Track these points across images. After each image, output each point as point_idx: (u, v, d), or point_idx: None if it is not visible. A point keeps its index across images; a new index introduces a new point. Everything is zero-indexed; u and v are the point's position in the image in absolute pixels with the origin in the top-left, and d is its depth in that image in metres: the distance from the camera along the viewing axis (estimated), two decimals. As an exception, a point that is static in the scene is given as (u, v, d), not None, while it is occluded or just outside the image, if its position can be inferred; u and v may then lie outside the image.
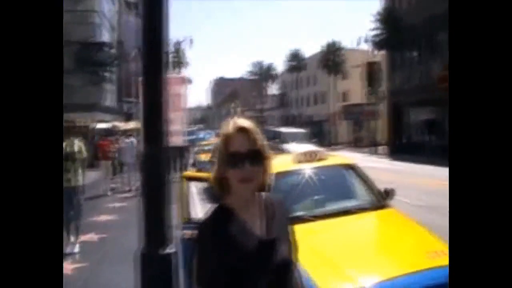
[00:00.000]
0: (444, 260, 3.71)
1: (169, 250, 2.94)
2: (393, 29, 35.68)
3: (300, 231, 4.03)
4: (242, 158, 1.64)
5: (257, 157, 1.67)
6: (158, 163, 2.92)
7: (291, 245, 1.82)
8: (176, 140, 4.53)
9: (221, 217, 1.71)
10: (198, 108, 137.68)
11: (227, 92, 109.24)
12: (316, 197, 4.80)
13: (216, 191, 1.76)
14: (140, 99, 3.08)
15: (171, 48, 41.83)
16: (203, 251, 1.66)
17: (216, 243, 1.63)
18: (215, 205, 1.77)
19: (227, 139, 1.70)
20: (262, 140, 1.71)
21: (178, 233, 4.34)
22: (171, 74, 4.30)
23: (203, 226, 1.72)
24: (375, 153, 34.85)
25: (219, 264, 1.61)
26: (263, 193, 1.80)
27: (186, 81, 4.85)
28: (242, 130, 1.68)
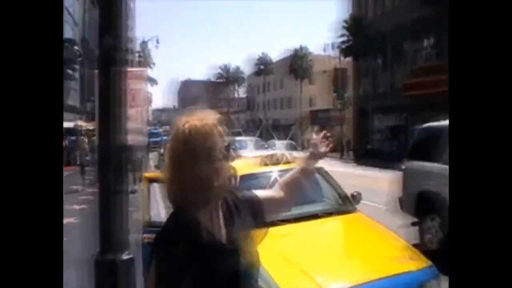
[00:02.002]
0: (412, 265, 3.69)
1: (125, 256, 2.75)
2: (360, 36, 36.30)
3: (267, 235, 3.95)
4: (199, 159, 1.51)
5: (215, 157, 1.54)
6: (114, 162, 2.72)
7: (253, 250, 1.68)
8: (135, 138, 4.29)
9: (179, 223, 1.55)
10: (164, 110, 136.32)
11: (194, 94, 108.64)
12: (287, 200, 4.68)
13: (174, 196, 1.59)
14: (96, 95, 2.89)
15: (137, 47, 41.16)
16: (161, 260, 1.50)
17: (175, 251, 1.48)
18: (173, 211, 1.61)
19: (182, 138, 1.55)
20: (220, 139, 1.55)
21: (139, 237, 4.16)
22: (131, 68, 4.07)
23: (160, 234, 1.56)
24: (341, 157, 35.23)
25: (177, 275, 1.46)
26: (224, 196, 1.65)
27: (145, 76, 4.61)
28: (199, 130, 1.54)
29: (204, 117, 1.58)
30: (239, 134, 28.17)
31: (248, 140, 19.09)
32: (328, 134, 2.05)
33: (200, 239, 1.52)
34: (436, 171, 7.08)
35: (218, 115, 1.62)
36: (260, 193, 1.89)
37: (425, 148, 7.99)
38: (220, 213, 1.62)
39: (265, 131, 34.95)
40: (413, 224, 7.73)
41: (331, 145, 2.01)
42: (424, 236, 7.37)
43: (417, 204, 7.70)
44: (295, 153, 20.69)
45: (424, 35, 29.44)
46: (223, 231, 1.59)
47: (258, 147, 17.57)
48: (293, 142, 25.54)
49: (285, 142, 23.23)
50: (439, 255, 6.47)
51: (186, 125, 1.54)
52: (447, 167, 6.65)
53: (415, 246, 6.89)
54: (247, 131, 55.10)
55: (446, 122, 7.43)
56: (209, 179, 1.51)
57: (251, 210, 1.73)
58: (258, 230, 1.77)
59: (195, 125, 1.54)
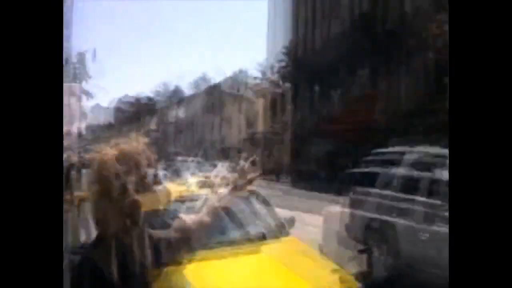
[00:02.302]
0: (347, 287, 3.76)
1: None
2: (298, 62, 37.30)
3: (201, 258, 3.89)
4: (118, 184, 1.46)
5: (136, 182, 1.50)
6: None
7: (171, 280, 1.66)
8: (67, 155, 4.12)
9: (100, 248, 1.49)
10: (100, 126, 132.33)
11: (131, 111, 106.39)
12: (218, 224, 4.63)
13: (94, 219, 1.53)
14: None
15: (73, 59, 39.81)
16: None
17: (92, 282, 1.41)
18: (95, 236, 1.55)
19: (99, 163, 1.50)
20: (145, 164, 1.52)
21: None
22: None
23: (80, 262, 1.50)
24: (278, 181, 35.60)
25: None
26: (144, 225, 1.60)
27: (77, 91, 4.45)
28: (117, 153, 1.49)
29: (128, 145, 1.52)
30: (179, 154, 27.66)
31: (190, 161, 18.70)
32: (256, 159, 2.06)
33: (121, 265, 1.47)
34: (384, 198, 7.09)
35: (145, 140, 1.56)
36: (190, 218, 1.86)
37: (373, 175, 7.97)
38: (140, 243, 1.57)
39: (209, 153, 34.72)
40: (360, 251, 7.66)
41: (258, 172, 2.02)
42: (371, 264, 7.31)
43: (365, 231, 7.63)
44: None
45: (359, 65, 30.74)
46: (146, 253, 1.54)
47: (202, 169, 17.24)
48: (235, 165, 25.49)
49: (227, 164, 22.90)
50: (387, 283, 6.67)
51: (107, 154, 1.49)
52: (395, 194, 6.75)
53: (362, 273, 7.06)
54: (188, 152, 54.62)
55: (394, 149, 7.72)
56: (128, 208, 1.46)
57: (176, 238, 1.70)
58: (185, 256, 1.74)
59: (116, 154, 1.48)
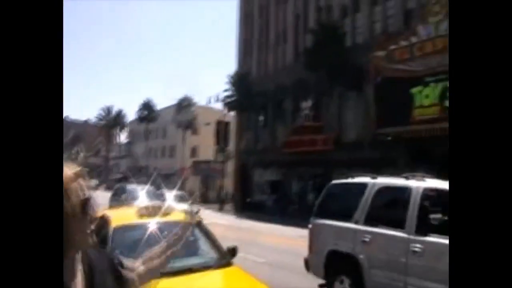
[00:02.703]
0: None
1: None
2: (243, 92, 37.72)
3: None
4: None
5: (70, 213, 1.41)
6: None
7: None
8: None
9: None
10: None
11: (71, 134, 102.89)
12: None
13: None
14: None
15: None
16: None
17: None
18: None
19: None
20: (71, 191, 1.44)
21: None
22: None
23: None
24: (221, 210, 35.36)
25: None
26: (85, 252, 1.54)
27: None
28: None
29: (66, 173, 1.47)
30: (126, 180, 26.60)
31: (139, 189, 17.58)
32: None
33: None
34: (346, 230, 6.89)
35: (78, 169, 1.51)
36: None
37: (334, 206, 7.72)
38: (79, 269, 1.51)
39: (155, 180, 33.87)
40: (321, 286, 7.45)
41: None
42: None
43: (326, 264, 7.30)
44: (184, 205, 19.73)
45: (302, 97, 31.49)
46: (83, 285, 1.48)
47: (151, 196, 16.47)
48: (183, 193, 24.86)
49: (174, 192, 22.55)
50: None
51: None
52: (358, 227, 6.65)
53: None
54: (132, 178, 53.07)
55: (356, 180, 7.50)
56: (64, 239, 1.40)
57: (105, 264, 1.64)
58: None
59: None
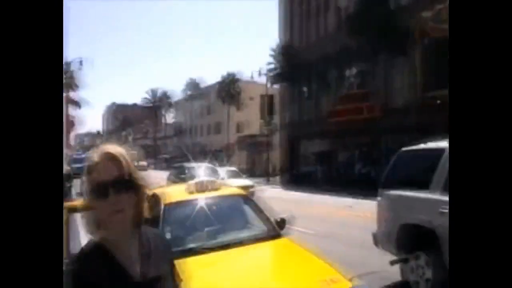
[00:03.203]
0: (338, 287, 3.77)
1: None
2: (286, 64, 37.37)
3: (193, 263, 3.89)
4: (107, 187, 1.46)
5: (125, 186, 1.49)
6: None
7: (170, 285, 1.65)
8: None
9: (90, 255, 1.49)
10: (88, 135, 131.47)
11: (120, 119, 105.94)
12: (208, 229, 4.65)
13: (88, 225, 1.54)
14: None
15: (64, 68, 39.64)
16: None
17: (84, 284, 1.41)
18: (86, 243, 1.55)
19: (92, 167, 1.51)
20: (131, 167, 1.52)
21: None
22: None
23: (70, 264, 1.49)
24: (269, 183, 35.63)
25: None
26: (140, 227, 1.61)
27: (70, 101, 4.44)
28: (107, 156, 1.50)
29: (117, 147, 1.55)
30: (188, 160, 26.99)
31: (197, 167, 17.87)
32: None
33: (112, 269, 1.47)
34: (421, 200, 6.23)
35: (125, 148, 1.59)
36: None
37: (405, 175, 7.05)
38: (136, 245, 1.58)
39: (211, 157, 34.29)
40: (393, 262, 6.70)
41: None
42: (407, 277, 6.53)
43: (398, 239, 6.63)
44: (240, 181, 19.61)
45: (347, 65, 30.86)
46: (138, 263, 1.54)
47: (209, 173, 16.63)
48: (236, 169, 25.00)
49: (227, 169, 22.77)
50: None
51: (100, 153, 1.51)
52: (435, 196, 5.90)
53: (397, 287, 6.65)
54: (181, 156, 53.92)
55: (430, 145, 6.73)
56: (123, 208, 1.48)
57: (161, 244, 1.70)
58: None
59: (109, 153, 1.51)
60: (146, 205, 1.58)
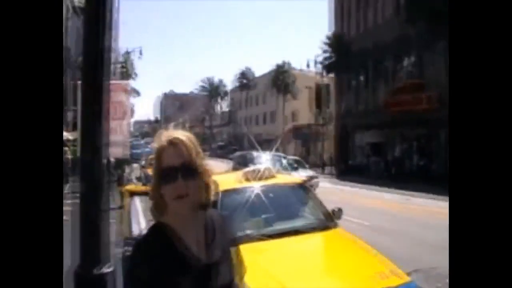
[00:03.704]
0: (393, 281, 3.71)
1: (106, 269, 2.70)
2: (341, 53, 36.78)
3: (248, 250, 3.94)
4: (175, 172, 1.49)
5: (192, 171, 1.52)
6: (96, 174, 2.69)
7: (233, 268, 1.69)
8: (117, 151, 4.25)
9: (156, 237, 1.54)
10: (146, 122, 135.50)
11: (176, 107, 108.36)
12: (264, 216, 4.69)
13: (154, 209, 1.58)
14: (79, 107, 2.88)
15: (120, 58, 41.08)
16: (134, 275, 1.49)
17: (149, 266, 1.46)
18: (152, 224, 1.60)
19: (160, 152, 1.54)
20: (198, 153, 1.55)
21: (118, 251, 4.11)
22: (113, 81, 4.12)
23: (135, 246, 1.55)
24: (323, 173, 35.37)
25: (153, 282, 1.44)
26: (205, 211, 1.64)
27: (129, 88, 4.60)
28: (175, 142, 1.53)
29: (184, 133, 1.58)
30: (255, 149, 26.36)
31: (262, 156, 17.04)
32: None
33: (177, 252, 1.51)
34: None
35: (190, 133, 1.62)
36: None
37: None
38: (201, 228, 1.61)
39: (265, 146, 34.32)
40: None
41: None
42: None
43: None
44: (305, 171, 18.98)
45: (404, 54, 29.94)
46: (203, 246, 1.58)
47: (274, 162, 15.82)
48: (300, 159, 24.06)
49: (292, 158, 22.29)
50: None
51: (167, 138, 1.55)
52: None
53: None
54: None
55: None
56: (189, 193, 1.51)
57: (224, 229, 1.73)
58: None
59: (177, 138, 1.54)
60: (212, 189, 1.61)
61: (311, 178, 16.36)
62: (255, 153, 18.27)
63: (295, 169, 16.99)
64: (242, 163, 18.87)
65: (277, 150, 35.78)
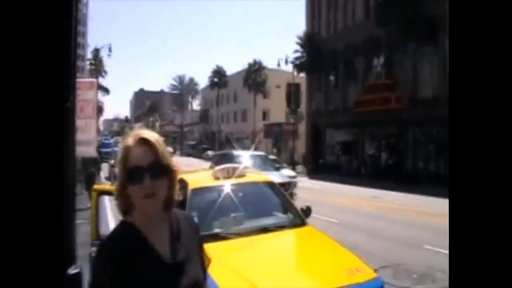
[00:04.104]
0: (360, 277, 3.77)
1: (72, 270, 2.66)
2: (313, 53, 37.09)
3: (218, 248, 3.95)
4: (142, 172, 1.49)
5: (160, 171, 1.52)
6: (62, 173, 2.65)
7: (202, 266, 1.69)
8: (85, 150, 4.18)
9: (122, 236, 1.54)
10: (116, 120, 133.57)
11: (147, 105, 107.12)
12: (234, 214, 4.69)
13: (120, 208, 1.58)
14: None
15: (88, 55, 40.36)
16: (97, 275, 1.48)
17: (115, 265, 1.45)
18: (118, 223, 1.60)
19: (126, 152, 1.53)
20: (165, 152, 1.55)
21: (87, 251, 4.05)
22: (80, 79, 4.08)
23: (100, 245, 1.54)
24: (294, 171, 35.49)
25: (115, 281, 1.44)
26: (172, 210, 1.65)
27: (96, 86, 4.53)
28: (142, 141, 1.53)
29: (151, 133, 1.58)
30: (233, 148, 25.02)
31: (243, 155, 16.35)
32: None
33: (142, 251, 1.51)
34: None
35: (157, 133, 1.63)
36: None
37: None
38: (166, 228, 1.61)
39: (236, 145, 33.97)
40: None
41: None
42: None
43: None
44: (286, 171, 18.12)
45: (374, 54, 30.40)
46: (168, 245, 1.58)
47: (258, 163, 15.07)
48: (278, 158, 23.64)
49: (272, 157, 21.46)
50: None
51: (135, 138, 1.54)
52: None
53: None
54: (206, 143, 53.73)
55: None
56: (156, 192, 1.51)
57: (191, 227, 1.73)
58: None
59: (144, 138, 1.54)
60: (177, 189, 1.62)
61: (293, 177, 16.01)
62: (235, 152, 17.65)
63: (277, 169, 16.24)
64: (222, 162, 18.19)
65: (248, 148, 35.61)
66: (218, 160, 18.48)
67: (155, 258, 1.52)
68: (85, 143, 4.21)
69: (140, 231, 1.54)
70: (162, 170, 1.52)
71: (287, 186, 12.54)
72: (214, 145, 64.43)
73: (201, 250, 1.74)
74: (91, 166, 13.34)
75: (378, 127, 30.25)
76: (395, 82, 28.68)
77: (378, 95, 28.58)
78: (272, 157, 22.14)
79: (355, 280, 3.70)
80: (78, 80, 2.94)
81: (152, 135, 1.56)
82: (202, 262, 1.71)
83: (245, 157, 15.58)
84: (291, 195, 12.01)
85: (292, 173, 18.05)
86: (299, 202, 5.48)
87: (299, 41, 39.34)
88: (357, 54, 32.41)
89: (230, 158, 15.52)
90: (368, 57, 31.25)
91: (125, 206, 1.56)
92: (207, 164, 18.97)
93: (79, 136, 3.22)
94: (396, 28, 26.13)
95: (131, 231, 1.53)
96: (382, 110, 27.97)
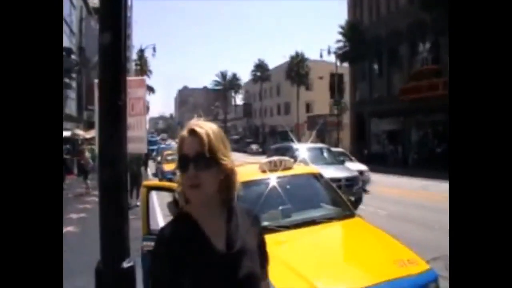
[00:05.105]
0: (412, 269, 3.69)
1: (126, 264, 2.75)
2: (356, 42, 36.44)
3: (267, 242, 3.96)
4: (188, 161, 1.51)
5: (205, 162, 1.52)
6: (117, 170, 2.73)
7: (261, 257, 1.68)
8: (137, 147, 4.29)
9: (180, 226, 1.57)
10: (161, 118, 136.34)
11: (191, 102, 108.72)
12: (282, 207, 4.70)
13: (178, 198, 1.62)
14: (96, 104, 2.90)
15: (134, 56, 41.39)
16: (157, 264, 1.52)
17: (171, 255, 1.48)
18: (178, 212, 1.63)
19: (181, 141, 1.57)
20: (216, 145, 1.55)
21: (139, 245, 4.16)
22: (130, 77, 4.17)
23: (159, 235, 1.58)
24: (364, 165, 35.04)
25: (175, 279, 1.46)
26: (232, 203, 1.66)
27: (145, 84, 4.63)
28: (192, 132, 1.55)
29: (207, 124, 1.60)
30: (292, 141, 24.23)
31: (303, 148, 15.36)
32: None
33: (196, 241, 1.53)
34: None
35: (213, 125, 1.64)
36: None
37: None
38: (226, 219, 1.62)
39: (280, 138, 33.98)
40: None
41: None
42: None
43: None
44: (356, 165, 16.92)
45: (419, 40, 29.54)
46: (224, 237, 1.59)
47: (318, 156, 14.58)
48: (345, 151, 22.04)
49: (337, 150, 19.34)
50: None
51: (188, 128, 1.57)
52: None
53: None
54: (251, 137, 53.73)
55: None
56: (200, 183, 1.53)
57: (250, 220, 1.73)
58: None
59: (193, 129, 1.56)
60: (235, 182, 1.62)
61: (361, 172, 14.71)
62: (294, 145, 16.15)
63: (341, 162, 14.97)
64: (281, 155, 16.81)
65: (292, 141, 35.31)
66: (275, 154, 17.54)
67: (210, 250, 1.54)
68: (137, 140, 4.32)
69: (197, 222, 1.57)
70: (208, 162, 1.53)
71: (353, 182, 11.47)
72: (258, 139, 64.58)
73: (261, 241, 1.74)
74: (135, 165, 13.48)
75: (425, 114, 29.39)
76: (442, 67, 27.74)
77: (424, 81, 27.76)
78: (336, 149, 20.23)
79: (407, 272, 3.63)
80: (128, 78, 3.02)
81: (205, 127, 1.57)
82: (262, 253, 1.71)
83: (302, 149, 14.77)
84: (359, 193, 10.89)
85: (362, 166, 16.86)
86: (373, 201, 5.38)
87: (341, 30, 38.71)
88: (402, 40, 31.58)
89: (287, 152, 14.43)
90: (413, 42, 30.40)
91: (181, 196, 1.60)
92: (251, 158, 18.84)
93: (131, 133, 3.30)
94: (441, 11, 25.21)
95: (188, 222, 1.56)
96: (429, 97, 27.13)
